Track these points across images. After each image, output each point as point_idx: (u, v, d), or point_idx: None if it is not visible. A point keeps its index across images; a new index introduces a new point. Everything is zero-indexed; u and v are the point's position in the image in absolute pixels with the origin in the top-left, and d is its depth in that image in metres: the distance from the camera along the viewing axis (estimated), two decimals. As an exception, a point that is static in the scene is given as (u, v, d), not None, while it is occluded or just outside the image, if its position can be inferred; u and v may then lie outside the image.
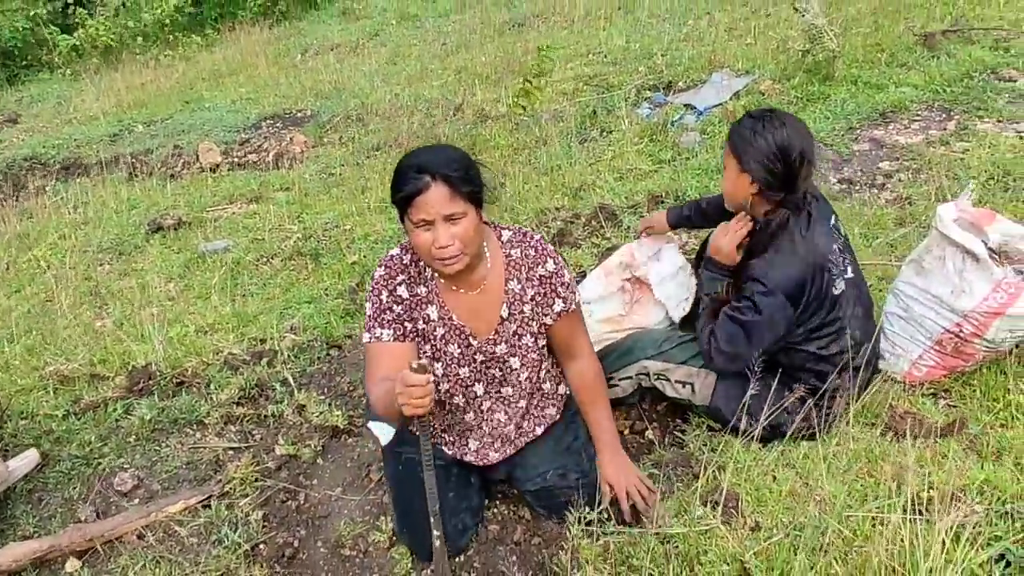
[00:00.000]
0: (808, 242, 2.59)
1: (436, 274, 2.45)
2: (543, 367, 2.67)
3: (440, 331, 2.50)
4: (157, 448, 3.40)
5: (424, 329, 2.50)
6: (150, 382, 3.75)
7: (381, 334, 2.45)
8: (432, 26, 10.50)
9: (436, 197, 2.18)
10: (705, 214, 3.20)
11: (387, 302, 2.46)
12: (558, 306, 2.53)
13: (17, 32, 11.65)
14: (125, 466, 3.31)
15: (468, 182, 2.24)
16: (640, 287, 3.27)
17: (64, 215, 6.12)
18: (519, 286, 2.49)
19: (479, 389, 2.60)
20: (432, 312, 2.48)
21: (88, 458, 3.36)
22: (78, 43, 11.53)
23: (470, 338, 2.51)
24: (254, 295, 4.59)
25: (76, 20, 11.59)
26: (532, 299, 2.50)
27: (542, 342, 2.60)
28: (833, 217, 2.77)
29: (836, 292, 2.64)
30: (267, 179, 6.39)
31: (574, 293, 2.56)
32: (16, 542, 2.88)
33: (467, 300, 2.48)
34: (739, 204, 2.72)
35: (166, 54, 11.61)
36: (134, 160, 7.30)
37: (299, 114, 8.19)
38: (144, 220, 5.86)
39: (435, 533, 2.46)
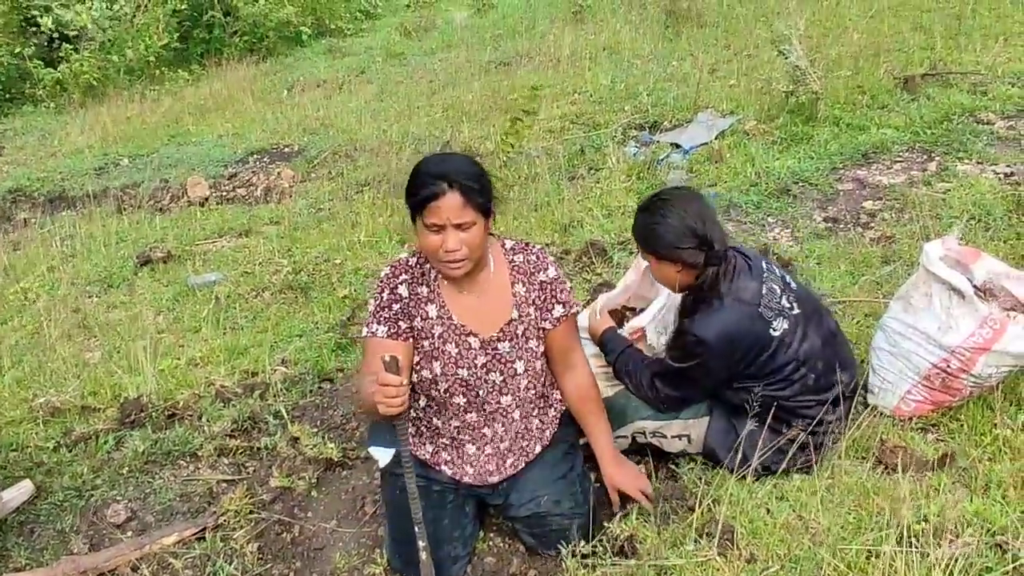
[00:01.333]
0: (733, 292, 2.69)
1: (439, 275, 2.54)
2: (542, 380, 2.70)
3: (438, 330, 2.55)
4: (150, 480, 3.39)
5: (422, 327, 2.55)
6: (142, 414, 3.74)
7: (376, 330, 2.54)
8: (418, 64, 10.61)
9: (450, 205, 2.29)
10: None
11: (387, 300, 2.55)
12: (558, 311, 2.60)
13: (2, 66, 11.65)
14: (118, 498, 3.29)
15: (481, 194, 2.35)
16: (636, 335, 3.32)
17: (52, 247, 6.10)
18: (524, 289, 2.58)
19: (481, 393, 2.62)
20: (431, 310, 2.55)
21: (81, 490, 3.34)
22: (62, 77, 11.54)
23: (470, 337, 2.55)
24: (244, 328, 4.60)
25: (60, 55, 11.61)
26: (534, 303, 2.58)
27: (543, 350, 2.66)
28: (764, 262, 2.85)
29: (775, 333, 2.70)
30: (256, 213, 6.41)
31: (574, 302, 2.64)
32: (9, 574, 2.86)
33: (469, 301, 2.56)
34: (673, 285, 2.82)
35: (152, 89, 11.63)
36: (122, 193, 7.31)
37: (286, 149, 8.23)
38: (132, 253, 5.86)
39: (421, 543, 2.48)
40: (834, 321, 3.00)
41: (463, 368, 2.57)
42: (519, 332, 2.58)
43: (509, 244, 2.63)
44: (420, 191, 2.31)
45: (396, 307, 2.54)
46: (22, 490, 3.23)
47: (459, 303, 2.56)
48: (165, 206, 7.03)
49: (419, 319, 2.56)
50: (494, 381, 2.61)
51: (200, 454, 3.48)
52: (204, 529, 3.05)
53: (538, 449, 2.76)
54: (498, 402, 2.64)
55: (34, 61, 11.65)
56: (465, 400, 2.63)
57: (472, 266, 2.44)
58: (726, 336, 2.66)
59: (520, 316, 2.57)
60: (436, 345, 2.56)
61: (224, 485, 3.33)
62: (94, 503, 3.29)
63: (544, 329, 2.62)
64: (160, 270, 5.56)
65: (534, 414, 2.74)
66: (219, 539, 3.01)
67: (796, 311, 2.77)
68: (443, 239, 2.33)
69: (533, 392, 2.69)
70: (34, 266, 5.81)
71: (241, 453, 3.49)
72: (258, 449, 3.49)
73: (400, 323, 2.54)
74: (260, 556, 2.95)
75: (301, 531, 3.07)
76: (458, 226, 2.32)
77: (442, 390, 2.61)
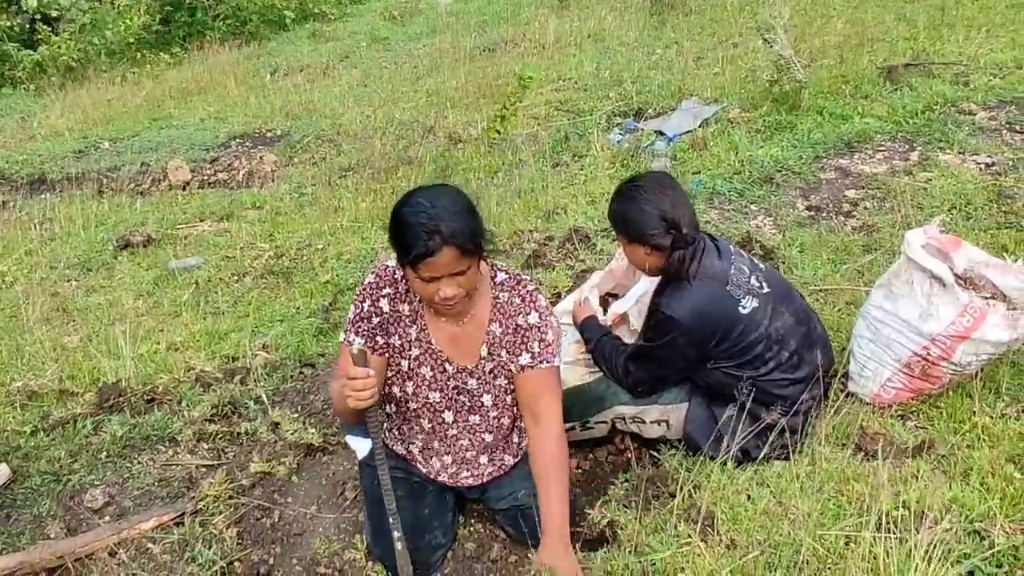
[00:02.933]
0: (702, 272, 2.73)
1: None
2: (514, 411, 2.65)
3: (415, 352, 2.51)
4: (128, 465, 3.36)
5: (400, 346, 2.51)
6: (120, 399, 3.71)
7: (353, 340, 2.48)
8: (403, 49, 10.55)
9: (447, 259, 2.16)
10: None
11: (367, 311, 2.48)
12: (524, 359, 2.46)
13: (-21, 47, 11.52)
14: (96, 483, 3.26)
15: (475, 240, 2.22)
16: (617, 320, 3.32)
17: (30, 230, 6.04)
18: (499, 329, 2.48)
19: (448, 416, 2.61)
20: (412, 332, 2.50)
21: (58, 474, 3.31)
22: (41, 59, 11.40)
23: (445, 363, 2.52)
24: (225, 313, 4.57)
25: (39, 37, 11.46)
26: (506, 345, 2.49)
27: (513, 388, 2.57)
28: (733, 246, 2.92)
29: (744, 310, 2.74)
30: (238, 197, 6.36)
31: (551, 354, 2.46)
32: (-15, 558, 2.83)
33: (449, 329, 2.50)
34: (643, 267, 2.86)
35: (133, 71, 11.51)
36: (102, 177, 7.23)
37: (269, 134, 8.17)
38: (112, 237, 5.80)
39: (395, 534, 2.48)
40: (805, 301, 3.04)
41: (435, 391, 2.55)
42: (486, 370, 2.52)
43: (500, 278, 2.50)
44: (413, 246, 2.14)
45: (375, 320, 2.48)
46: (-1, 474, 3.21)
47: (439, 328, 2.50)
48: (146, 190, 6.97)
49: (396, 337, 2.50)
50: (463, 402, 2.58)
51: (179, 439, 3.46)
52: (183, 514, 3.03)
53: (513, 462, 2.75)
54: (466, 420, 2.62)
55: (12, 43, 11.49)
56: (430, 425, 2.63)
57: (468, 303, 2.38)
58: (695, 313, 2.70)
59: (490, 354, 2.50)
60: (412, 367, 2.52)
61: (203, 470, 3.30)
62: (71, 488, 3.25)
63: (510, 371, 2.51)
64: (140, 254, 5.51)
65: (511, 432, 2.71)
66: (198, 524, 2.98)
67: (766, 290, 2.81)
68: (438, 287, 2.23)
69: (506, 418, 2.64)
70: (12, 249, 5.75)
71: (221, 438, 3.46)
72: (238, 434, 3.47)
73: (377, 338, 2.48)
74: (240, 541, 2.93)
75: (281, 516, 3.06)
76: (454, 275, 2.22)
77: (411, 409, 2.60)
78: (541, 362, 2.46)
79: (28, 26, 11.79)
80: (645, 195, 2.73)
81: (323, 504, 3.11)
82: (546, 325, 2.47)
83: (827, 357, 2.96)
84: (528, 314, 2.46)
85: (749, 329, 2.75)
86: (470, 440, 2.65)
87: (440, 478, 2.73)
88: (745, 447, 2.80)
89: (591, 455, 3.17)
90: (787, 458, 2.82)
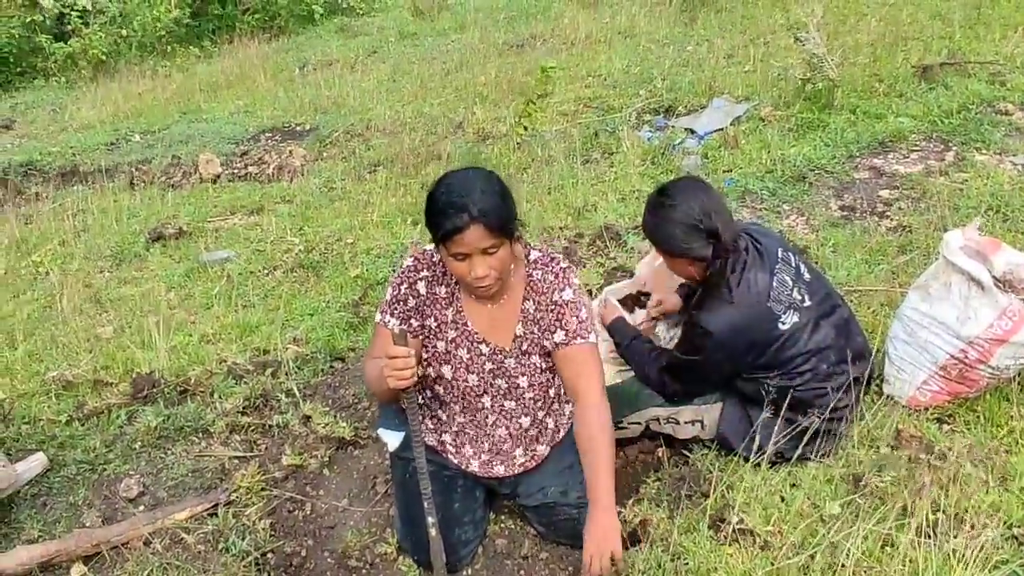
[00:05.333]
0: (742, 287, 2.69)
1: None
2: (550, 394, 2.67)
3: (452, 334, 2.53)
4: (162, 455, 3.39)
5: (435, 328, 2.53)
6: (154, 389, 3.74)
7: (389, 321, 2.51)
8: (431, 44, 10.56)
9: (475, 236, 2.21)
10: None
11: (404, 293, 2.51)
12: (558, 336, 2.48)
13: (12, 38, 11.60)
14: (131, 472, 3.30)
15: (505, 220, 2.26)
16: (648, 324, 3.31)
17: (64, 222, 6.09)
18: (533, 307, 2.51)
19: (486, 401, 2.62)
20: (449, 314, 2.53)
21: (93, 464, 3.35)
22: (73, 51, 11.51)
23: (482, 345, 2.53)
24: (256, 306, 4.59)
25: (71, 28, 11.56)
26: (540, 322, 2.51)
27: (547, 365, 2.60)
28: (780, 249, 2.85)
29: (784, 327, 2.70)
30: (268, 191, 6.39)
31: (586, 330, 2.48)
32: (23, 545, 2.87)
33: (485, 310, 2.52)
34: (689, 278, 2.85)
35: (163, 65, 11.60)
36: (133, 169, 7.28)
37: (298, 128, 8.20)
38: (144, 229, 5.85)
39: (429, 520, 2.49)
40: (847, 309, 3.00)
41: (473, 373, 2.56)
42: (523, 348, 2.54)
43: (534, 255, 2.54)
44: (442, 223, 2.22)
45: (412, 302, 2.52)
46: (35, 463, 3.24)
47: (475, 310, 2.53)
48: (177, 182, 7.01)
49: (432, 319, 2.53)
50: (500, 386, 2.60)
51: (212, 430, 3.49)
52: (216, 505, 3.06)
53: (547, 451, 2.76)
54: (502, 406, 2.63)
55: (44, 35, 11.60)
56: (468, 411, 2.65)
57: (502, 284, 2.40)
58: (732, 329, 2.67)
59: (525, 333, 2.53)
60: (449, 349, 2.54)
61: (236, 462, 3.33)
62: (107, 477, 3.29)
63: (545, 348, 2.54)
64: (172, 246, 5.55)
65: (545, 417, 2.72)
66: (231, 515, 3.01)
67: (807, 303, 2.77)
68: (470, 265, 2.27)
69: (541, 401, 2.66)
70: (46, 240, 5.80)
71: (253, 430, 3.49)
72: (270, 427, 3.50)
73: (412, 320, 2.52)
74: (272, 533, 2.96)
75: (313, 509, 3.08)
76: (485, 251, 2.26)
77: (447, 394, 2.62)
78: (576, 338, 2.47)
79: (58, 18, 11.88)
80: (677, 206, 2.68)
81: (354, 498, 3.13)
82: (580, 302, 2.50)
83: (865, 363, 2.93)
84: (562, 290, 2.48)
85: (787, 345, 2.72)
86: (507, 427, 2.66)
87: (471, 468, 2.73)
88: (779, 448, 2.78)
89: (622, 453, 3.16)
90: (821, 459, 2.81)
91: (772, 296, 2.70)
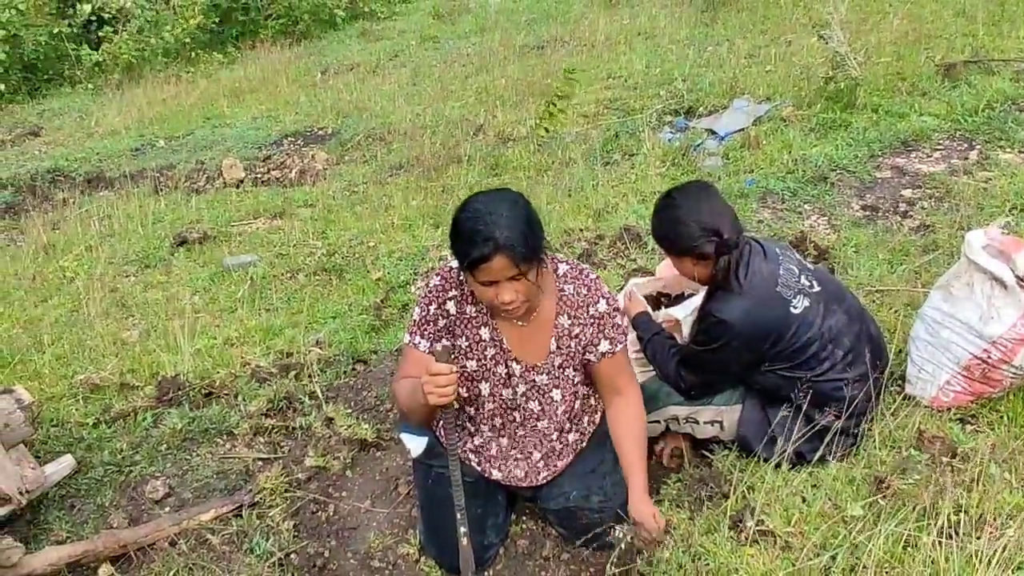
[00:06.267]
0: (751, 275, 2.71)
1: None
2: (576, 407, 2.68)
3: (491, 352, 2.53)
4: (188, 457, 3.44)
5: (466, 348, 2.53)
6: (179, 392, 3.79)
7: (419, 343, 2.52)
8: (452, 48, 10.59)
9: (501, 265, 2.19)
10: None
11: (433, 314, 2.51)
12: (604, 347, 2.53)
13: (40, 46, 11.77)
14: (156, 474, 3.35)
15: (531, 249, 2.24)
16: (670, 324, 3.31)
17: (90, 227, 6.18)
18: (568, 321, 2.51)
19: (516, 415, 2.63)
20: (484, 333, 2.52)
21: (120, 465, 3.40)
22: (101, 59, 11.65)
23: (514, 363, 2.54)
24: (279, 309, 4.64)
25: (100, 36, 11.71)
26: (578, 336, 2.52)
27: (581, 377, 2.62)
28: (778, 247, 2.88)
29: (796, 310, 2.71)
30: (291, 195, 6.44)
31: (623, 334, 2.57)
32: (51, 546, 2.91)
33: (516, 328, 2.52)
34: (694, 278, 2.87)
35: (187, 71, 11.72)
36: (158, 174, 7.37)
37: (320, 132, 8.25)
38: (169, 233, 5.92)
39: (461, 530, 2.49)
40: (858, 300, 3.01)
41: (508, 389, 2.58)
42: (556, 364, 2.55)
43: (562, 269, 2.53)
44: (468, 252, 2.19)
45: (441, 323, 2.52)
46: (63, 465, 3.29)
47: (508, 328, 2.52)
48: (201, 187, 7.08)
49: (464, 339, 2.53)
50: (532, 409, 2.61)
51: (236, 432, 3.53)
52: (240, 506, 3.10)
53: (570, 460, 2.76)
54: (534, 427, 2.65)
55: (74, 43, 11.75)
56: (501, 422, 2.66)
57: (530, 306, 2.40)
58: (748, 315, 2.68)
59: (559, 348, 2.54)
60: (488, 367, 2.55)
61: (260, 463, 3.37)
62: (133, 479, 3.34)
63: (588, 361, 2.57)
64: (196, 251, 5.61)
65: (570, 429, 2.72)
66: (255, 516, 3.05)
67: (816, 288, 2.78)
68: (497, 291, 2.26)
69: (569, 414, 2.67)
70: (73, 245, 5.88)
71: (277, 432, 3.53)
72: (293, 429, 3.53)
73: (443, 340, 2.52)
74: (296, 533, 2.99)
75: (336, 510, 3.11)
76: (511, 277, 2.24)
77: (486, 409, 2.63)
78: (617, 345, 2.54)
79: (84, 26, 12.02)
80: (681, 207, 2.73)
81: (377, 499, 3.16)
82: (615, 310, 2.54)
83: (882, 356, 2.92)
84: (597, 303, 2.51)
85: (803, 329, 2.72)
86: (534, 440, 2.68)
87: (493, 475, 2.74)
88: (799, 449, 2.77)
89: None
90: (842, 460, 2.80)
91: (780, 282, 2.72)
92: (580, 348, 2.54)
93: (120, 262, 5.60)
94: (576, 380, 2.60)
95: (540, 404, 2.60)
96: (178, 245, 5.71)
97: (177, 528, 2.99)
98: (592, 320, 2.51)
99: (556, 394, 2.59)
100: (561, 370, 2.56)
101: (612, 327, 2.53)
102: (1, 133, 9.77)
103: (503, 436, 2.68)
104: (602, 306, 2.51)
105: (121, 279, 5.33)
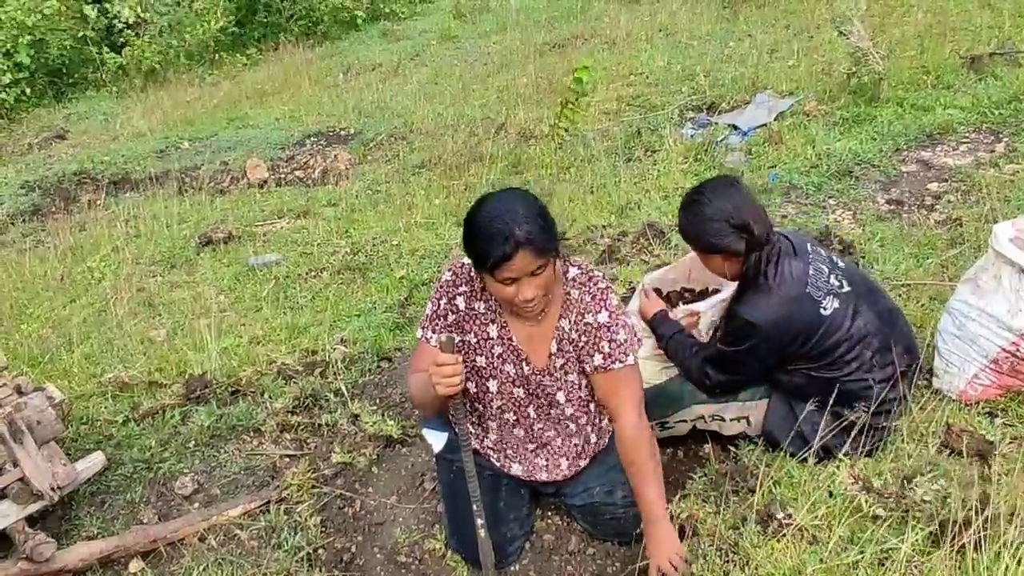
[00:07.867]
0: (780, 275, 2.67)
1: None
2: (591, 408, 2.66)
3: (498, 349, 2.53)
4: (215, 454, 3.47)
5: (475, 344, 2.53)
6: (206, 390, 3.83)
7: (430, 337, 2.52)
8: (473, 47, 10.61)
9: (523, 261, 2.18)
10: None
11: (444, 308, 2.52)
12: (596, 360, 2.45)
13: (65, 50, 11.90)
14: (185, 470, 3.39)
15: (549, 239, 2.23)
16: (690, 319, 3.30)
17: (116, 228, 6.24)
18: (568, 326, 2.48)
19: (532, 412, 2.63)
20: (492, 331, 2.52)
21: (149, 462, 3.44)
22: (125, 62, 11.77)
23: (523, 363, 2.54)
24: (304, 308, 4.67)
25: (123, 40, 11.83)
26: (575, 342, 2.49)
27: (585, 383, 2.58)
28: (809, 244, 2.85)
29: (825, 312, 2.68)
30: (314, 195, 6.49)
31: (623, 353, 2.44)
32: (83, 542, 2.95)
33: (525, 328, 2.51)
34: (723, 274, 2.84)
35: (211, 73, 11.83)
36: (182, 176, 7.44)
37: (343, 132, 8.30)
38: (194, 234, 5.97)
39: (479, 522, 2.50)
40: (890, 300, 2.98)
41: (519, 387, 2.57)
42: (557, 366, 2.53)
43: (572, 273, 2.48)
44: (490, 252, 2.17)
45: (451, 318, 2.52)
46: (93, 462, 3.32)
47: (517, 327, 2.51)
48: (225, 188, 7.15)
49: (473, 335, 2.53)
50: (541, 406, 2.60)
51: (263, 429, 3.56)
52: (268, 502, 3.12)
53: (587, 463, 2.76)
54: (543, 425, 2.65)
55: (97, 47, 11.87)
56: (515, 417, 2.64)
57: (548, 302, 2.39)
58: (776, 317, 2.65)
59: (560, 351, 2.51)
60: (495, 364, 2.54)
61: (287, 460, 3.39)
62: (162, 475, 3.38)
63: (584, 369, 2.53)
64: (221, 250, 5.66)
65: (588, 430, 2.71)
66: (283, 512, 3.08)
67: (846, 289, 2.75)
68: (518, 289, 2.24)
69: (585, 417, 2.66)
70: (99, 246, 5.95)
71: (303, 429, 3.55)
72: (319, 426, 3.56)
73: (452, 335, 2.52)
74: (323, 529, 3.01)
75: (362, 506, 3.13)
76: (532, 272, 2.22)
77: (494, 407, 2.62)
78: (614, 363, 2.43)
79: (107, 29, 12.14)
80: (709, 203, 2.69)
81: (402, 495, 3.17)
82: (617, 324, 2.45)
83: (912, 355, 2.90)
84: (598, 312, 2.44)
85: (831, 331, 2.70)
86: (549, 439, 2.68)
87: (513, 471, 2.75)
88: (826, 444, 2.76)
89: (668, 448, 3.16)
90: (870, 455, 2.78)
91: (810, 283, 2.69)
92: (577, 355, 2.50)
93: (146, 262, 5.66)
94: (582, 384, 2.57)
95: (550, 404, 2.60)
96: (203, 245, 5.76)
97: (206, 524, 3.02)
98: (588, 328, 2.45)
99: (560, 396, 2.58)
100: (564, 373, 2.54)
101: (609, 341, 2.43)
102: (28, 136, 9.90)
103: (518, 428, 2.67)
104: (603, 317, 2.43)
105: (147, 279, 5.39)
